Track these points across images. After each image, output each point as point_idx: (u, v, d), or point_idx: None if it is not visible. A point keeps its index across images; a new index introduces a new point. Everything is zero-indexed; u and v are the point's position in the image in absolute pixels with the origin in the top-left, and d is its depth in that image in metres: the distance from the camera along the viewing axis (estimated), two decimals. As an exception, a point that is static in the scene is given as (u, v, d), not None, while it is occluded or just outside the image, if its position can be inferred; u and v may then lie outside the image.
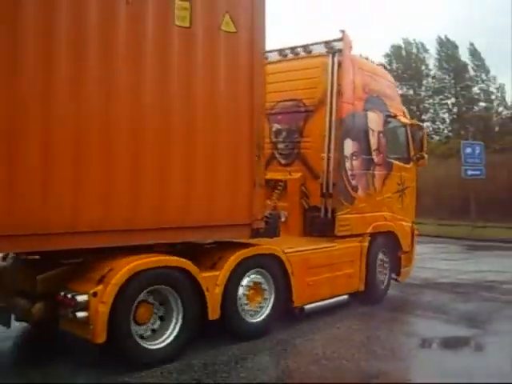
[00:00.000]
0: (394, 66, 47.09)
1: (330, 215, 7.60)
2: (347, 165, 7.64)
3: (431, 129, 45.97)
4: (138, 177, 5.21)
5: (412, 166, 9.16)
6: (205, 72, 5.64)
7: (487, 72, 42.53)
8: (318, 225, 7.68)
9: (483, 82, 42.77)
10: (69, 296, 4.88)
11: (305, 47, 8.29)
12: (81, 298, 4.83)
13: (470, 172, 22.80)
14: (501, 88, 42.01)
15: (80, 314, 4.81)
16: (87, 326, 4.80)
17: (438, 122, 44.94)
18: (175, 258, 5.42)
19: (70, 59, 4.73)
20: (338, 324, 7.09)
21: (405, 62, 45.70)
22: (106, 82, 4.97)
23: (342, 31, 7.77)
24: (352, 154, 7.72)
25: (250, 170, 6.02)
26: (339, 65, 7.68)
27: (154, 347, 5.28)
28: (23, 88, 4.53)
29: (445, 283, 10.65)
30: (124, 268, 4.98)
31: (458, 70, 43.23)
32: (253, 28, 5.99)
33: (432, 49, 44.97)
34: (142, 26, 5.14)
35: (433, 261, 14.04)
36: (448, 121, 44.86)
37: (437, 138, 43.86)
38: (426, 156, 9.19)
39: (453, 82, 44.06)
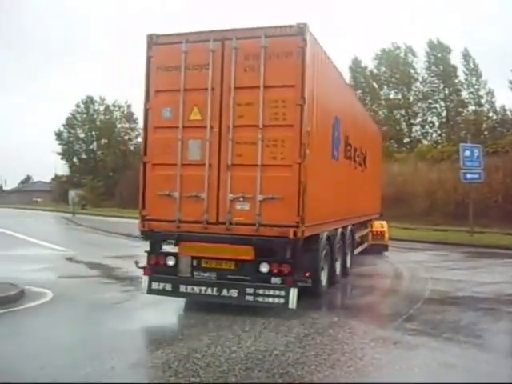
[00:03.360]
0: (382, 69, 46.26)
1: None
2: None
3: (420, 133, 45.23)
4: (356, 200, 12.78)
5: None
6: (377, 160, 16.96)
7: (479, 76, 41.77)
8: None
9: (473, 86, 42.02)
10: (378, 230, 16.13)
11: None
12: (381, 231, 16.22)
13: (469, 176, 21.49)
14: (490, 93, 41.32)
15: (382, 235, 16.28)
16: (383, 238, 16.24)
17: (426, 127, 44.16)
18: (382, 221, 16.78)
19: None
20: (358, 354, 5.90)
21: (393, 66, 44.84)
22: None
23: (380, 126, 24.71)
24: None
25: (379, 193, 17.37)
26: None
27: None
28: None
29: (463, 297, 9.51)
30: (386, 225, 16.62)
31: (448, 73, 42.47)
32: (381, 144, 18.91)
33: (421, 53, 44.27)
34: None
35: (439, 270, 12.98)
36: (437, 125, 44.10)
37: (425, 142, 43.06)
38: None
39: (442, 85, 43.31)
